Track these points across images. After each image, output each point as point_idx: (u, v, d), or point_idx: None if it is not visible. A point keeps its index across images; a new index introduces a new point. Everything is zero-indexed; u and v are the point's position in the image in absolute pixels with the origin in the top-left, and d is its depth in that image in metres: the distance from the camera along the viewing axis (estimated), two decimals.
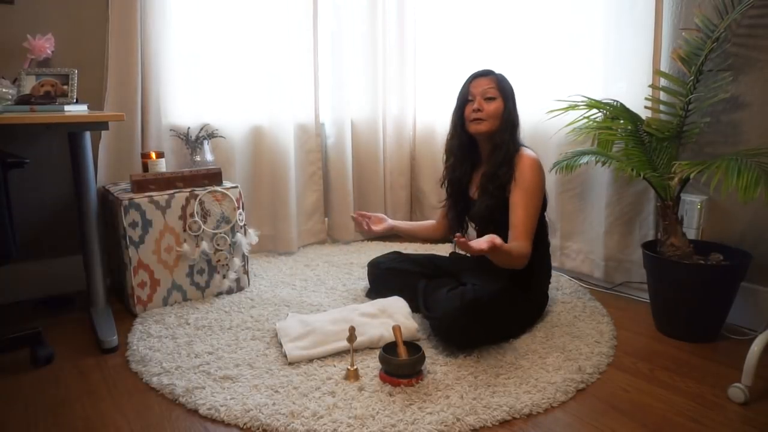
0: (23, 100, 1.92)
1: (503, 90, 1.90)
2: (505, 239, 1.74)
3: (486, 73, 1.94)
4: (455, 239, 1.55)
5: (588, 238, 2.41)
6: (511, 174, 1.84)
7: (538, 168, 1.85)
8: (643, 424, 1.41)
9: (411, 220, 3.36)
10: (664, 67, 2.09)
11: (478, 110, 1.88)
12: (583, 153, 2.09)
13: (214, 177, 2.25)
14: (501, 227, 1.83)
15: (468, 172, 2.02)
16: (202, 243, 2.18)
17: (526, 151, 1.88)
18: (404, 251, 2.34)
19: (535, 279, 1.93)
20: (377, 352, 1.68)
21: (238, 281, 2.31)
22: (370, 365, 1.68)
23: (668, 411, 1.47)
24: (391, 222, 2.21)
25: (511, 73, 2.50)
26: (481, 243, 1.56)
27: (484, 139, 1.94)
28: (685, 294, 1.84)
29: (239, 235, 2.27)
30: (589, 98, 2.05)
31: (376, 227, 2.17)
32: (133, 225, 2.05)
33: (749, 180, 1.53)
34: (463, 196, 2.05)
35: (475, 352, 1.75)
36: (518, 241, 1.76)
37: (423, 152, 3.23)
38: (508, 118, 1.89)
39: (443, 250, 2.87)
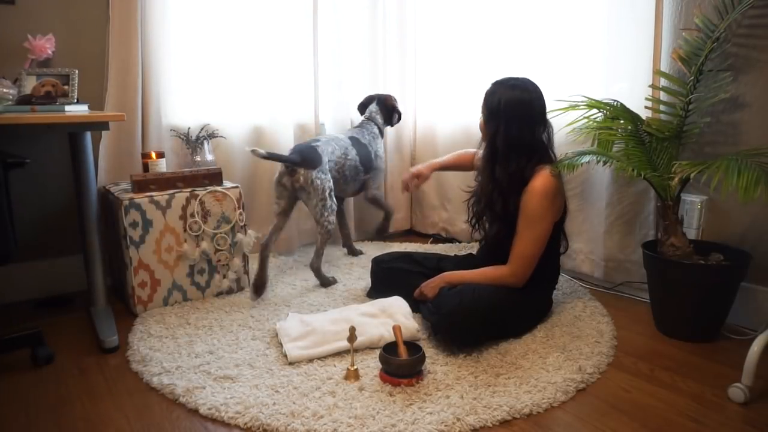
0: (24, 100, 1.92)
1: (486, 105, 1.90)
2: (507, 250, 1.87)
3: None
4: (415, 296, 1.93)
5: (588, 238, 2.41)
6: (511, 198, 1.84)
7: (543, 194, 1.79)
8: (643, 424, 1.41)
9: (411, 220, 3.36)
10: (664, 67, 2.09)
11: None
12: (584, 153, 2.08)
13: (214, 177, 2.26)
14: (504, 242, 1.89)
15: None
16: (203, 243, 2.18)
17: (540, 175, 1.80)
18: (406, 250, 2.34)
19: (537, 283, 1.93)
20: (377, 352, 1.68)
21: (238, 281, 2.31)
22: (370, 365, 1.68)
23: (668, 411, 1.47)
24: (432, 167, 2.37)
25: (511, 73, 2.52)
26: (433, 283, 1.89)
27: None
28: (685, 294, 1.84)
29: (240, 235, 2.27)
30: (589, 98, 2.05)
31: (421, 181, 2.38)
32: (134, 225, 2.05)
33: (749, 180, 1.53)
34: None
35: (475, 352, 1.75)
36: (507, 266, 1.85)
37: (423, 153, 3.23)
38: (491, 135, 1.86)
39: (445, 250, 2.88)
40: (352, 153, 2.53)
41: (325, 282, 2.38)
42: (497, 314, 1.79)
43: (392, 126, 2.88)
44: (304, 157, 2.25)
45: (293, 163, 2.24)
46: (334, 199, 2.33)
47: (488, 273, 1.88)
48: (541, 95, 1.89)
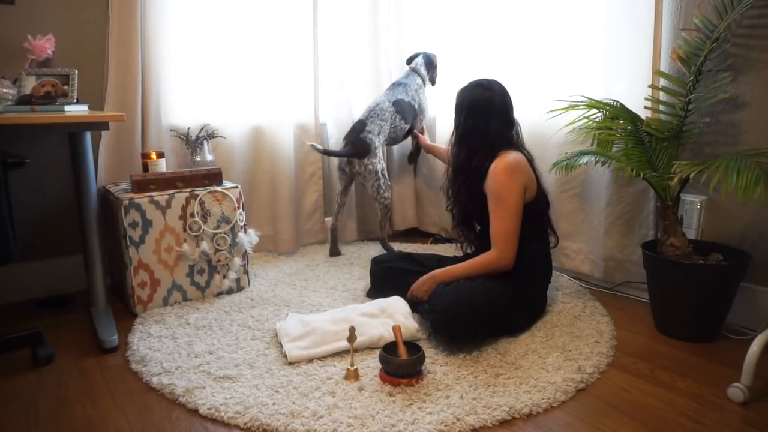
0: (24, 100, 1.92)
1: (456, 101, 2.01)
2: (484, 236, 1.97)
3: None
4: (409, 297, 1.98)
5: (588, 238, 2.41)
6: (465, 181, 1.96)
7: (504, 171, 1.86)
8: (643, 424, 1.41)
9: (414, 218, 3.36)
10: (663, 67, 2.09)
11: None
12: (583, 153, 2.09)
13: (214, 177, 2.26)
14: (480, 226, 1.99)
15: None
16: (202, 243, 2.18)
17: (502, 157, 1.89)
18: (406, 250, 2.35)
19: (529, 273, 1.93)
20: (377, 352, 1.68)
21: (238, 281, 2.31)
22: (370, 365, 1.68)
23: (668, 411, 1.47)
24: (429, 146, 2.79)
25: (511, 73, 2.54)
26: (425, 285, 1.93)
27: None
28: (685, 294, 1.84)
29: (241, 234, 2.27)
30: (589, 98, 2.05)
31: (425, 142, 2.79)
32: (134, 225, 2.05)
33: (749, 180, 1.53)
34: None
35: (474, 351, 1.75)
36: (492, 250, 1.89)
37: (423, 152, 3.23)
38: (456, 126, 2.01)
39: (445, 250, 2.88)
40: (398, 120, 2.77)
41: (389, 251, 2.73)
42: (494, 308, 1.79)
43: (432, 85, 3.01)
44: (357, 150, 2.60)
45: (349, 156, 2.61)
46: (387, 176, 2.71)
47: (476, 261, 1.90)
48: (505, 95, 1.98)
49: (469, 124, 1.96)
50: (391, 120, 2.73)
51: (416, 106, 2.85)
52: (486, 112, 1.94)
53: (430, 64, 2.94)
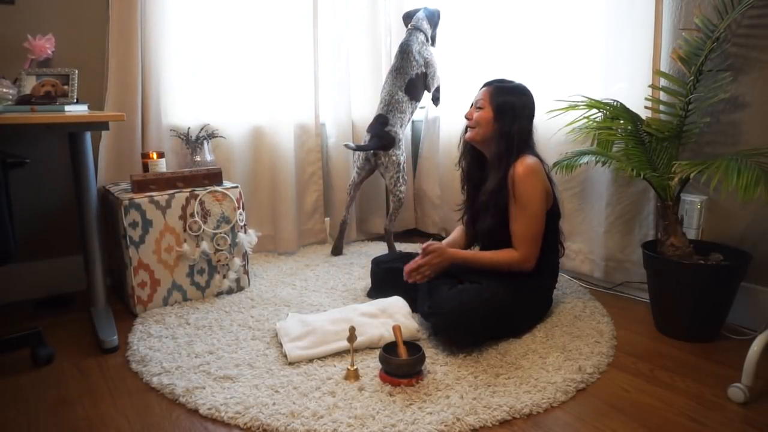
0: (24, 100, 1.92)
1: (494, 100, 1.91)
2: (494, 234, 1.91)
3: (486, 84, 1.99)
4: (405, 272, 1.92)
5: (588, 238, 2.41)
6: (507, 192, 1.87)
7: (529, 174, 1.83)
8: (643, 424, 1.41)
9: (415, 219, 3.36)
10: (664, 67, 2.09)
11: (468, 118, 1.97)
12: (583, 153, 2.09)
13: (214, 177, 2.26)
14: (504, 245, 1.90)
15: (476, 179, 2.06)
16: (202, 243, 2.18)
17: (521, 160, 1.86)
18: (407, 250, 2.34)
19: (537, 280, 1.93)
20: (377, 352, 1.68)
21: (238, 281, 2.31)
22: (370, 365, 1.68)
23: (668, 411, 1.47)
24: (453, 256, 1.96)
25: (511, 73, 2.53)
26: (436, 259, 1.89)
27: (483, 151, 1.99)
28: (685, 294, 1.84)
29: (241, 234, 2.27)
30: (589, 98, 2.05)
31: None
32: (134, 225, 2.05)
33: (749, 180, 1.53)
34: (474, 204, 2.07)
35: (475, 352, 1.75)
36: (516, 249, 1.87)
37: (424, 152, 3.23)
38: (499, 130, 1.90)
39: None
40: (414, 104, 2.81)
41: (391, 247, 2.78)
42: (497, 314, 1.78)
43: (432, 44, 2.92)
44: (383, 143, 2.66)
45: (376, 149, 2.67)
46: (405, 170, 2.74)
47: (498, 255, 1.89)
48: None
49: (524, 128, 1.91)
50: (410, 109, 2.77)
51: (426, 70, 2.81)
52: (532, 118, 1.94)
53: (432, 18, 2.87)
